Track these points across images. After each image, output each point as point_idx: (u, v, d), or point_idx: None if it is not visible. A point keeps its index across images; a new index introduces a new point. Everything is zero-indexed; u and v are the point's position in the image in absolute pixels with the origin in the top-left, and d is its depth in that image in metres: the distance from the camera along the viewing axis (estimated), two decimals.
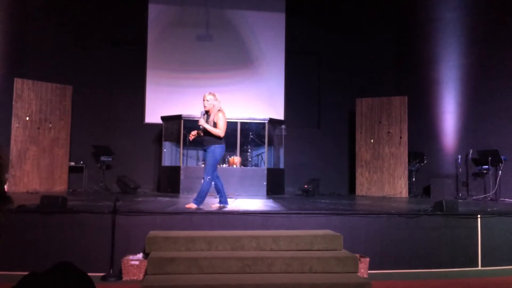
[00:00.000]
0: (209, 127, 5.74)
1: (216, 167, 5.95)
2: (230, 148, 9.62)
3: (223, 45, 10.80)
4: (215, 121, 5.76)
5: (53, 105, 9.27)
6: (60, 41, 10.16)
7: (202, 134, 5.90)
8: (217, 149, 5.78)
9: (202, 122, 5.80)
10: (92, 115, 10.17)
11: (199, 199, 5.76)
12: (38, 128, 9.03)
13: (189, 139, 6.14)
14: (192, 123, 9.43)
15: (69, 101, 9.53)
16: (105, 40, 10.48)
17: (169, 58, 10.63)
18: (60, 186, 9.24)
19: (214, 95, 5.89)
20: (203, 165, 6.10)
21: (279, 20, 11.06)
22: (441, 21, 9.85)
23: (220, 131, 5.73)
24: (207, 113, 5.89)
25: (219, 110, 5.83)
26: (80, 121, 9.95)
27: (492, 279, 5.06)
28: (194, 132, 5.98)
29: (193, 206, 5.68)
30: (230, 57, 10.79)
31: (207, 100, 5.82)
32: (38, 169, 8.96)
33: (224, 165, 9.50)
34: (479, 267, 5.55)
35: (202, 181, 5.83)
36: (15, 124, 8.73)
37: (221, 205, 6.01)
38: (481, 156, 8.55)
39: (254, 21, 10.95)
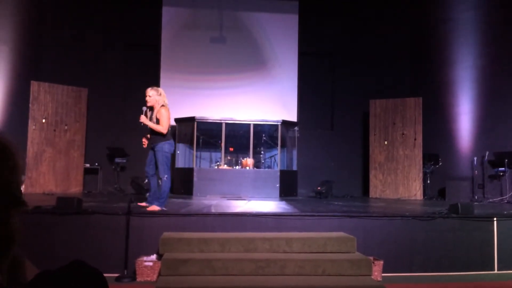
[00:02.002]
0: (151, 124, 5.55)
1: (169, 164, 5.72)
2: (243, 150, 9.68)
3: (236, 47, 10.83)
4: (158, 117, 5.57)
5: (68, 108, 9.40)
6: (75, 44, 10.30)
7: (149, 136, 5.72)
8: (165, 146, 5.58)
9: (143, 119, 5.59)
10: (107, 117, 10.28)
11: (162, 200, 5.59)
12: (54, 130, 9.15)
13: (143, 146, 5.87)
14: (205, 125, 9.50)
15: (84, 103, 9.65)
16: (119, 43, 10.59)
17: (183, 61, 10.70)
18: (75, 188, 9.35)
19: (157, 90, 5.73)
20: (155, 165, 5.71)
21: (292, 22, 11.05)
22: (456, 21, 9.74)
23: (162, 127, 5.53)
24: (151, 109, 5.68)
25: (162, 105, 5.63)
26: (95, 123, 10.07)
27: (509, 283, 4.98)
28: (144, 141, 5.78)
29: (156, 208, 5.51)
30: (243, 59, 10.81)
31: (150, 96, 5.64)
32: (54, 170, 9.09)
33: (237, 167, 9.52)
34: (495, 271, 5.47)
35: (160, 181, 5.61)
36: (31, 126, 8.87)
37: (147, 204, 5.68)
38: (497, 158, 8.43)
39: (267, 23, 10.96)
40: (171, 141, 5.72)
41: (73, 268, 1.26)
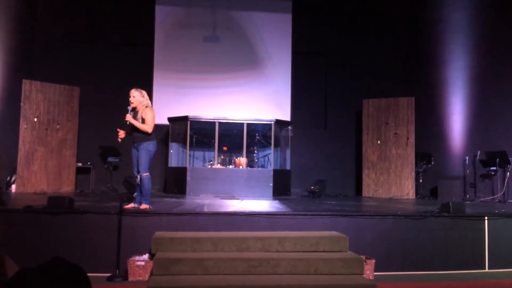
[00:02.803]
0: (137, 123, 5.67)
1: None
2: (236, 149, 9.67)
3: (229, 46, 10.82)
4: (143, 117, 5.72)
5: (61, 106, 9.34)
6: (68, 43, 10.24)
7: (129, 133, 5.86)
8: (150, 146, 5.75)
9: (129, 118, 5.70)
10: (100, 116, 10.21)
11: (148, 198, 5.73)
12: (46, 129, 9.09)
13: (118, 140, 5.99)
14: (199, 124, 9.48)
15: (76, 102, 9.60)
16: (112, 41, 10.53)
17: (176, 60, 10.67)
18: (67, 187, 9.30)
19: (140, 91, 5.88)
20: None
21: (286, 21, 11.06)
22: (448, 21, 9.79)
23: (148, 127, 5.70)
24: (134, 109, 5.82)
25: (146, 106, 5.81)
26: (87, 122, 10.01)
27: (500, 282, 5.02)
28: (121, 134, 5.90)
29: (147, 206, 5.64)
30: (237, 58, 10.80)
31: (134, 97, 5.79)
32: (46, 170, 9.03)
33: (231, 166, 9.52)
34: (486, 270, 5.50)
35: (139, 179, 5.68)
36: (23, 125, 8.80)
37: (137, 205, 5.71)
38: (489, 157, 8.49)
39: (260, 22, 10.96)
40: (155, 142, 5.87)
41: (54, 265, 1.25)
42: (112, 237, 4.95)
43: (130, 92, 5.84)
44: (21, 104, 8.80)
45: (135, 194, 5.79)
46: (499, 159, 8.21)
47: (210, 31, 10.85)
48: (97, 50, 10.37)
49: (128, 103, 5.86)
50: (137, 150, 5.77)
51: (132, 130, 5.80)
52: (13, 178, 8.74)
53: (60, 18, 10.32)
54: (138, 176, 5.70)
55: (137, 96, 5.80)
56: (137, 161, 5.76)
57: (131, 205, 5.70)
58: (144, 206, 5.63)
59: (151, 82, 10.56)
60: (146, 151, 5.72)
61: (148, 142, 5.75)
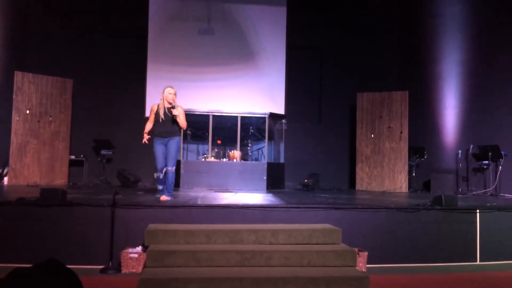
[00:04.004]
0: (181, 118, 5.97)
1: None
2: (230, 142, 9.66)
3: (224, 39, 10.77)
4: (179, 113, 5.96)
5: (53, 99, 9.27)
6: (61, 34, 10.15)
7: (149, 137, 6.11)
8: (179, 140, 6.13)
9: (176, 112, 5.90)
10: (93, 108, 10.17)
11: (171, 190, 5.99)
12: (39, 121, 9.03)
13: (145, 142, 6.15)
14: (193, 117, 9.42)
15: (69, 94, 9.53)
16: (106, 33, 10.45)
17: (170, 52, 10.62)
18: (60, 180, 9.26)
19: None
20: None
21: (281, 14, 11.02)
22: (442, 16, 9.81)
23: (185, 123, 6.09)
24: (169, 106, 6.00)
25: (178, 105, 6.07)
26: (80, 115, 9.96)
27: (491, 274, 5.06)
28: (146, 137, 6.13)
29: (168, 198, 5.84)
30: (231, 51, 10.76)
31: (175, 94, 6.07)
32: (39, 162, 8.98)
33: (225, 159, 9.51)
34: (478, 262, 5.56)
35: (164, 172, 5.90)
36: (15, 117, 8.74)
37: (168, 197, 5.93)
38: (481, 151, 8.54)
39: (255, 15, 10.92)
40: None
41: (48, 267, 1.24)
42: (105, 229, 4.94)
43: (169, 89, 6.02)
44: (13, 96, 8.74)
45: (161, 187, 5.99)
46: (491, 153, 8.27)
47: (205, 23, 10.80)
48: (91, 42, 10.29)
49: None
50: (166, 144, 5.96)
51: (164, 125, 5.96)
52: (5, 171, 8.69)
53: (53, 9, 10.22)
54: (164, 170, 5.88)
55: (176, 94, 6.06)
56: (164, 155, 5.95)
57: (165, 197, 5.88)
58: (166, 198, 5.83)
59: (144, 74, 10.51)
60: (177, 144, 6.02)
61: (179, 137, 6.08)
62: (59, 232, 5.02)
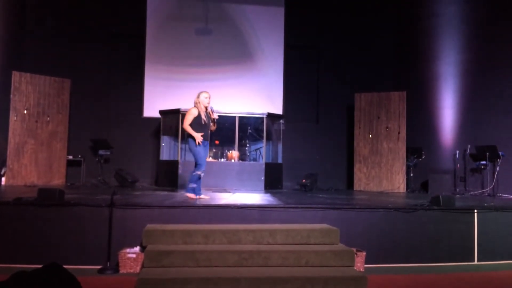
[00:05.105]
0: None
1: None
2: (228, 142, 9.65)
3: (222, 39, 10.77)
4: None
5: (51, 99, 9.25)
6: (58, 35, 10.13)
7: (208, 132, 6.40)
8: None
9: (216, 116, 6.35)
10: (90, 108, 10.16)
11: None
12: (36, 121, 9.01)
13: (198, 143, 6.22)
14: None
15: (67, 94, 9.51)
16: (103, 33, 10.44)
17: (168, 52, 10.61)
18: (58, 180, 9.24)
19: None
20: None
21: (279, 15, 11.03)
22: (440, 16, 9.83)
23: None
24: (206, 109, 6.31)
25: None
26: (78, 115, 9.94)
27: (488, 274, 5.08)
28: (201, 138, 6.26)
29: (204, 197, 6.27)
30: (229, 51, 10.77)
31: (210, 98, 6.33)
32: (36, 162, 8.96)
33: (222, 160, 9.51)
34: (475, 262, 5.57)
35: (202, 174, 6.29)
36: (13, 117, 8.72)
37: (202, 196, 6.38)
38: (479, 151, 8.56)
39: (253, 15, 10.93)
40: None
41: (49, 271, 1.24)
42: (103, 229, 4.93)
43: (205, 94, 6.24)
44: (11, 96, 8.72)
45: (195, 185, 6.28)
46: (489, 153, 8.28)
47: (203, 23, 10.80)
48: (88, 42, 10.28)
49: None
50: (205, 146, 6.30)
51: (206, 128, 6.27)
52: (2, 171, 8.67)
53: (51, 9, 10.21)
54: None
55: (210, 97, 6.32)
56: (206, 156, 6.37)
57: (203, 195, 6.32)
58: (202, 197, 6.30)
59: (142, 74, 10.51)
60: (208, 147, 6.51)
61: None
62: (57, 232, 5.00)
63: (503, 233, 5.68)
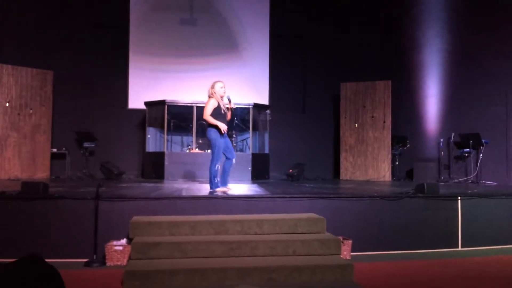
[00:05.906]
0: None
1: None
2: None
3: (207, 29, 10.68)
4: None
5: (33, 91, 9.10)
6: (40, 25, 9.93)
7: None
8: None
9: (234, 106, 6.26)
10: (74, 100, 10.01)
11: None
12: (19, 114, 8.87)
13: (223, 131, 6.04)
14: (176, 109, 9.38)
15: (50, 86, 9.37)
16: (86, 23, 10.28)
17: (152, 43, 10.49)
18: (42, 173, 9.13)
19: None
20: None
21: (264, 4, 10.97)
22: (424, 5, 9.87)
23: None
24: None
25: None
26: (61, 107, 9.81)
27: (472, 259, 5.17)
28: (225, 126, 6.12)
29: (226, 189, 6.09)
30: (214, 41, 10.68)
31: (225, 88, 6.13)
32: (20, 156, 8.83)
33: (209, 151, 9.46)
34: (459, 248, 5.67)
35: (232, 163, 6.22)
36: None
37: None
38: (463, 139, 8.67)
39: (238, 5, 10.84)
40: None
41: (27, 263, 1.22)
42: (89, 222, 4.89)
43: (220, 84, 6.02)
44: None
45: (218, 179, 6.08)
46: (472, 141, 8.40)
47: (187, 13, 10.68)
48: (71, 33, 10.11)
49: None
50: (225, 137, 6.12)
51: (225, 118, 6.11)
52: None
53: (32, 0, 9.98)
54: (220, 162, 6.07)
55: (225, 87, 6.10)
56: (227, 146, 6.12)
57: (224, 189, 6.05)
58: (222, 189, 6.04)
59: (126, 65, 10.39)
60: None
61: None
62: (42, 226, 4.95)
63: (486, 220, 5.78)
